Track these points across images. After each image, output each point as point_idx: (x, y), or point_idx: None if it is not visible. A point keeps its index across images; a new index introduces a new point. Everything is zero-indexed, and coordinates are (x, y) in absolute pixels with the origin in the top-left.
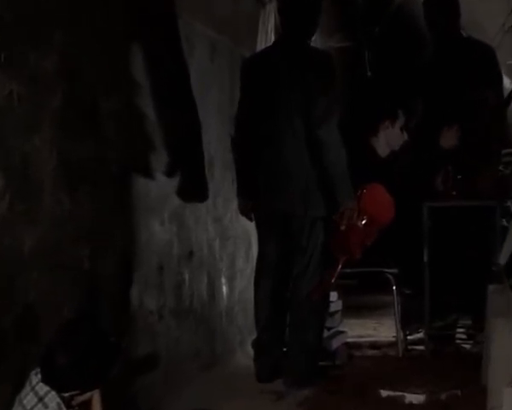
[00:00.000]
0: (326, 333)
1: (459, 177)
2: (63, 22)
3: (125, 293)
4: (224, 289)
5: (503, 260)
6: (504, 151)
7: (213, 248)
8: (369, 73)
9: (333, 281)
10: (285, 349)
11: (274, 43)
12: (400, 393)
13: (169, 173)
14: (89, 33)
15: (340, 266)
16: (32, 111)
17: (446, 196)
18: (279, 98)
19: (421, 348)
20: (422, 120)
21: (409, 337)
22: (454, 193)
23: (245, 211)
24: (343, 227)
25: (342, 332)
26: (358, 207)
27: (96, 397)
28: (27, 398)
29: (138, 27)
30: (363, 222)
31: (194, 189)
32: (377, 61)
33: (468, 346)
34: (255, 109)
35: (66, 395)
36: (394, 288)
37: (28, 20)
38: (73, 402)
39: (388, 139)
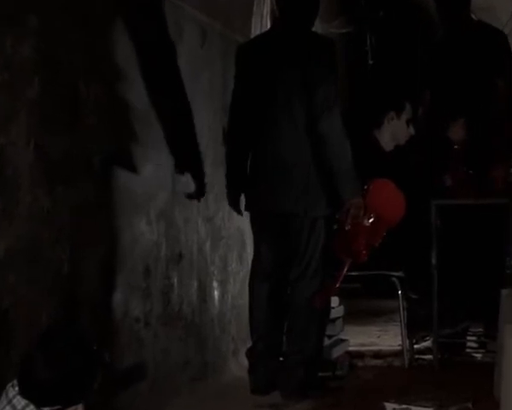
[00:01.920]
0: (326, 341)
1: (470, 172)
2: (39, 5)
3: (109, 298)
4: (216, 294)
5: None
6: None
7: (204, 249)
8: (370, 61)
9: (338, 285)
10: (282, 359)
11: (271, 28)
12: (406, 406)
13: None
14: (68, 17)
15: (345, 269)
16: (7, 101)
17: (456, 192)
18: (277, 87)
19: (429, 357)
20: (430, 112)
21: (416, 346)
22: (464, 190)
23: (234, 202)
24: (348, 227)
25: (344, 341)
26: (365, 205)
27: None
28: None
29: (121, 9)
30: (370, 221)
31: (180, 184)
32: (380, 47)
33: (479, 355)
34: (251, 99)
35: (47, 409)
36: (400, 292)
37: (1, 3)
38: None
39: (393, 132)
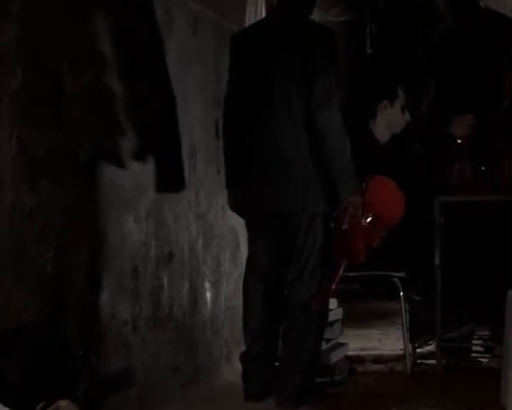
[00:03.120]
0: (324, 345)
1: (482, 168)
2: None
3: (95, 300)
4: (208, 295)
5: None
6: None
7: (196, 248)
8: (369, 50)
9: (333, 287)
10: (277, 364)
11: (267, 16)
12: None
13: (141, 161)
14: (52, 5)
15: (341, 270)
16: None
17: (460, 189)
18: (274, 79)
19: (433, 362)
20: (435, 103)
21: (418, 350)
22: (468, 186)
23: (235, 206)
24: (345, 226)
25: (342, 344)
26: (363, 203)
27: None
28: None
29: None
30: (368, 220)
31: (169, 178)
32: (380, 36)
33: (485, 360)
34: (246, 91)
35: None
36: (402, 294)
37: None
38: None
39: (388, 121)
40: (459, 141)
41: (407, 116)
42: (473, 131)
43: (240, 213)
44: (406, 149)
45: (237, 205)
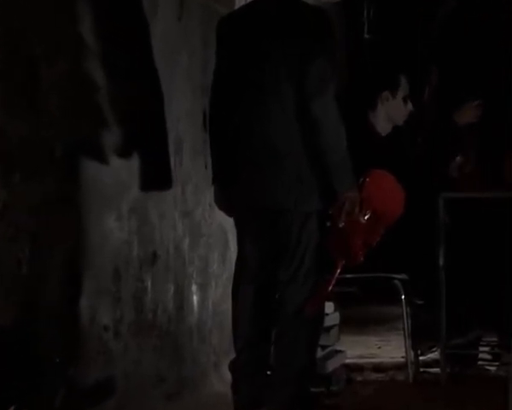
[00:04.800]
0: (320, 353)
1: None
2: None
3: (73, 304)
4: (195, 299)
5: None
6: None
7: (182, 248)
8: (366, 35)
9: (329, 289)
10: (269, 373)
11: None
12: None
13: (123, 154)
14: None
15: (338, 272)
16: None
17: (466, 185)
18: (264, 65)
19: (437, 371)
20: (438, 92)
21: (421, 358)
22: (476, 181)
23: (223, 204)
24: (342, 224)
25: (339, 352)
26: (361, 199)
27: None
28: None
29: None
30: (367, 217)
31: (154, 173)
32: (378, 20)
33: (493, 368)
34: (234, 79)
35: None
36: (403, 297)
37: None
38: None
39: (389, 113)
40: (463, 130)
41: (410, 106)
42: (479, 119)
43: (227, 212)
44: (408, 142)
45: (225, 202)
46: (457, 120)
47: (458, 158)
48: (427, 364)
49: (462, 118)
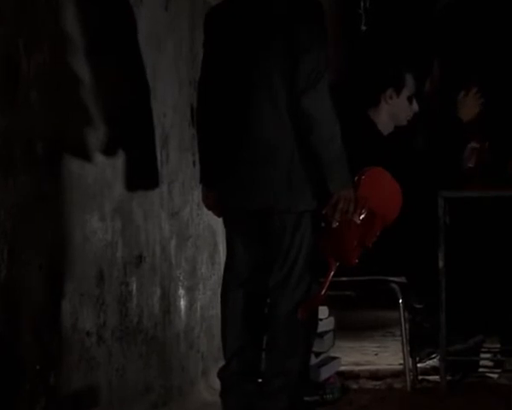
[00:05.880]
0: (313, 360)
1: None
2: None
3: (54, 309)
4: (183, 303)
5: None
6: None
7: (168, 250)
8: (363, 27)
9: (323, 293)
10: (260, 381)
11: None
12: None
13: (106, 151)
14: None
15: (332, 274)
16: None
17: (469, 182)
18: (254, 58)
19: (436, 378)
20: (440, 86)
21: (419, 365)
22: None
23: (211, 204)
24: (336, 224)
25: (334, 359)
26: (356, 198)
27: None
28: None
29: None
30: (362, 217)
31: (139, 171)
32: (376, 11)
33: (495, 376)
34: (223, 72)
35: None
36: (401, 301)
37: None
38: None
39: (393, 113)
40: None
41: (415, 106)
42: (482, 108)
43: (216, 211)
44: (409, 140)
45: (213, 202)
46: (461, 115)
47: (471, 145)
48: (426, 371)
49: (465, 112)
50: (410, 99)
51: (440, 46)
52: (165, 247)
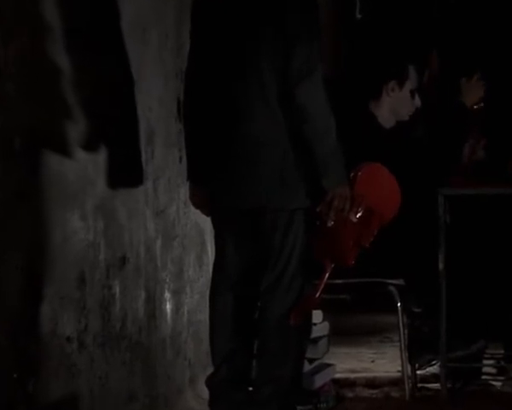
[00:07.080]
0: (307, 367)
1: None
2: None
3: (33, 313)
4: (169, 307)
5: None
6: None
7: (153, 251)
8: (358, 15)
9: (317, 296)
10: (251, 389)
11: None
12: None
13: (88, 147)
14: None
15: (326, 276)
16: None
17: (469, 180)
18: (243, 47)
19: (436, 386)
20: (439, 77)
21: (419, 372)
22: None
23: (198, 202)
24: (331, 222)
25: (329, 366)
26: (352, 195)
27: None
28: None
29: None
30: (359, 215)
31: (122, 167)
32: None
33: (498, 383)
34: (211, 63)
35: None
36: (399, 305)
37: None
38: None
39: (394, 106)
40: (475, 107)
41: (417, 101)
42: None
43: (204, 210)
44: (409, 133)
45: (201, 200)
46: (466, 101)
47: (471, 142)
48: (426, 379)
49: (470, 97)
50: (412, 93)
51: (439, 37)
52: (150, 247)
